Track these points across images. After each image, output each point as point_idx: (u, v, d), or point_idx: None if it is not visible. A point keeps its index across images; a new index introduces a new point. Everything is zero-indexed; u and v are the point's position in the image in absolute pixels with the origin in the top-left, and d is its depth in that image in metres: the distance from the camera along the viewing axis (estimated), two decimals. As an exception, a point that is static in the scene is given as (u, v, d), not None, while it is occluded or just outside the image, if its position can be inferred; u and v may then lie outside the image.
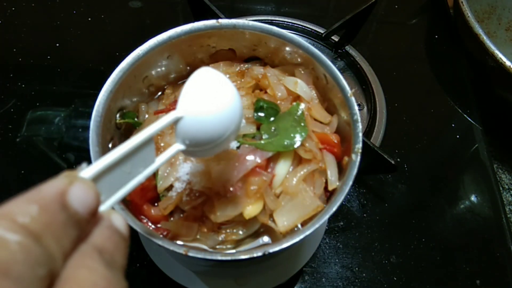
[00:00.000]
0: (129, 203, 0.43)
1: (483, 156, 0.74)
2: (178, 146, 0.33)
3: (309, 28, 0.85)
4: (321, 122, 0.49)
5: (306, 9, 0.93)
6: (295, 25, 0.85)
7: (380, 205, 0.67)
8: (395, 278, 0.61)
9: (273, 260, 0.56)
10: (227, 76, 0.51)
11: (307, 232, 0.38)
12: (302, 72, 0.50)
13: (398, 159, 0.71)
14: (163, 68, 0.50)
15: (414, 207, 0.68)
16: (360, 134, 0.43)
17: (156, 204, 0.44)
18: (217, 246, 0.43)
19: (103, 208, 0.26)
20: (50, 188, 0.22)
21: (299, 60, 0.50)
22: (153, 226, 0.44)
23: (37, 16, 0.86)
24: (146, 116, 0.49)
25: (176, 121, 0.32)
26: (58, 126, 0.70)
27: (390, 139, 0.73)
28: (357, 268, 0.62)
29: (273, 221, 0.43)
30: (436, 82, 0.84)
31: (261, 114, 0.46)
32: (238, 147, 0.43)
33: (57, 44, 0.81)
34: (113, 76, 0.43)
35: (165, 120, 0.31)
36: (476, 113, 0.79)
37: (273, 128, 0.45)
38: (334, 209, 0.39)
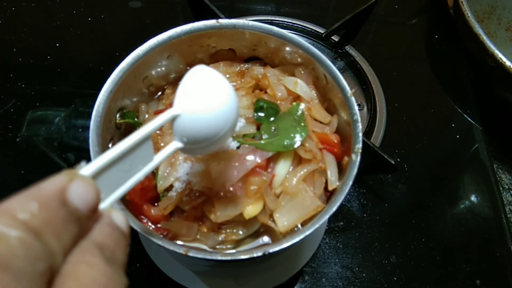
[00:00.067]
0: (129, 203, 0.43)
1: (483, 156, 0.74)
2: (176, 144, 0.33)
3: (309, 28, 0.85)
4: (321, 122, 0.49)
5: (306, 9, 0.93)
6: (295, 25, 0.85)
7: (380, 205, 0.67)
8: (395, 278, 0.61)
9: (273, 260, 0.56)
10: (227, 76, 0.51)
11: (307, 232, 0.38)
12: (302, 72, 0.50)
13: (398, 159, 0.71)
14: (163, 68, 0.50)
15: (414, 207, 0.68)
16: (360, 134, 0.43)
17: (156, 204, 0.44)
18: (217, 246, 0.43)
19: (103, 205, 0.26)
20: (50, 185, 0.22)
21: (299, 60, 0.50)
22: (153, 226, 0.44)
23: (37, 16, 0.86)
24: (146, 116, 0.49)
25: (173, 119, 0.32)
26: (58, 126, 0.70)
27: (390, 139, 0.73)
28: (357, 268, 0.62)
29: (273, 221, 0.43)
30: (436, 82, 0.84)
31: (261, 114, 0.46)
32: (238, 147, 0.43)
33: (57, 44, 0.81)
34: (113, 76, 0.43)
35: (162, 118, 0.31)
36: (476, 113, 0.79)
37: (273, 128, 0.45)
38: (334, 209, 0.39)
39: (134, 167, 0.30)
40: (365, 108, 0.76)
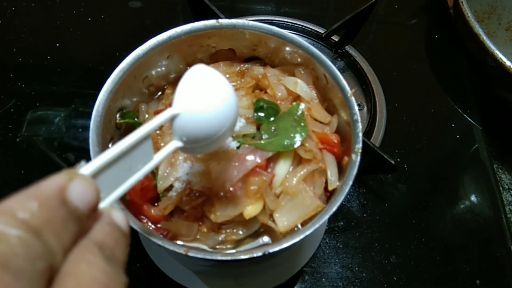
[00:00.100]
0: (129, 203, 0.43)
1: (483, 156, 0.74)
2: (175, 143, 0.33)
3: (309, 28, 0.85)
4: (321, 122, 0.49)
5: (306, 9, 0.93)
6: (295, 25, 0.85)
7: (380, 205, 0.67)
8: (395, 278, 0.61)
9: (273, 260, 0.56)
10: (227, 76, 0.51)
11: (307, 232, 0.38)
12: (302, 72, 0.50)
13: (398, 159, 0.71)
14: (163, 68, 0.50)
15: (414, 207, 0.68)
16: (360, 134, 0.43)
17: (156, 204, 0.44)
18: (217, 246, 0.43)
19: (103, 205, 0.26)
20: (50, 184, 0.22)
21: (299, 60, 0.50)
22: (153, 226, 0.44)
23: (37, 16, 0.86)
24: (146, 116, 0.49)
25: (173, 118, 0.32)
26: (58, 126, 0.70)
27: (390, 139, 0.73)
28: (357, 268, 0.62)
29: (273, 221, 0.43)
30: (436, 82, 0.84)
31: (261, 114, 0.46)
32: (238, 147, 0.43)
33: (57, 44, 0.81)
34: (113, 76, 0.43)
35: (161, 117, 0.31)
36: (476, 113, 0.79)
37: (273, 128, 0.45)
38: (334, 209, 0.39)
39: (134, 166, 0.30)
40: (365, 108, 0.76)
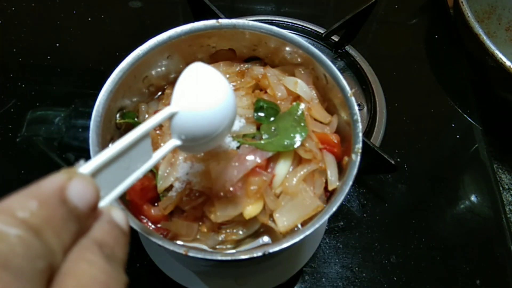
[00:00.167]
0: (129, 203, 0.43)
1: (483, 156, 0.74)
2: (174, 142, 0.33)
3: (309, 28, 0.85)
4: (321, 122, 0.49)
5: (306, 9, 0.93)
6: (295, 25, 0.85)
7: (380, 205, 0.67)
8: (395, 278, 0.61)
9: (273, 260, 0.56)
10: (227, 76, 0.51)
11: (307, 232, 0.38)
12: (302, 72, 0.50)
13: (398, 159, 0.71)
14: (163, 68, 0.50)
15: (414, 207, 0.68)
16: (360, 134, 0.43)
17: (156, 204, 0.44)
18: (217, 246, 0.43)
19: (103, 203, 0.26)
20: (50, 183, 0.22)
21: (299, 60, 0.50)
22: (153, 226, 0.44)
23: (37, 16, 0.86)
24: (146, 116, 0.49)
25: (171, 117, 0.32)
26: (58, 126, 0.70)
27: (390, 139, 0.73)
28: (357, 268, 0.62)
29: (273, 221, 0.43)
30: (436, 82, 0.84)
31: (261, 114, 0.46)
32: (238, 147, 0.43)
33: (57, 44, 0.81)
34: (113, 76, 0.43)
35: (160, 115, 0.31)
36: (476, 113, 0.79)
37: (273, 128, 0.45)
38: (334, 209, 0.39)
39: (133, 165, 0.30)
40: (365, 108, 0.76)
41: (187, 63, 0.51)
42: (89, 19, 0.85)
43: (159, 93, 0.52)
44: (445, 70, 0.86)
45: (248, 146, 0.43)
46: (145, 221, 0.44)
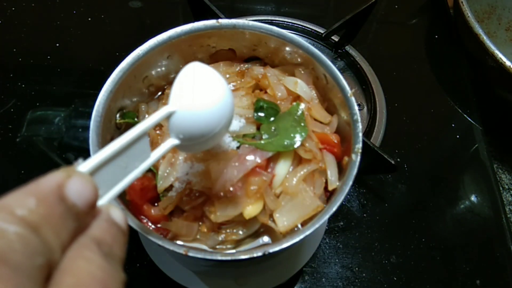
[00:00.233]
0: (129, 203, 0.43)
1: (483, 156, 0.74)
2: (172, 141, 0.34)
3: (309, 28, 0.85)
4: (321, 122, 0.49)
5: (306, 9, 0.93)
6: (295, 25, 0.85)
7: (380, 205, 0.67)
8: (395, 278, 0.61)
9: (273, 260, 0.56)
10: (227, 76, 0.51)
11: (307, 232, 0.38)
12: (302, 72, 0.50)
13: (398, 159, 0.71)
14: (163, 68, 0.50)
15: (414, 207, 0.68)
16: (360, 134, 0.43)
17: (156, 204, 0.44)
18: (217, 246, 0.43)
19: (101, 202, 0.26)
20: (48, 181, 0.22)
21: (299, 60, 0.50)
22: (153, 226, 0.44)
23: (37, 16, 0.86)
24: (146, 116, 0.49)
25: (169, 116, 0.32)
26: (58, 126, 0.70)
27: (390, 139, 0.73)
28: (357, 268, 0.62)
29: (273, 221, 0.43)
30: (436, 82, 0.84)
31: (261, 114, 0.46)
32: (238, 147, 0.43)
33: (57, 44, 0.81)
34: (113, 76, 0.43)
35: (158, 114, 0.32)
36: (476, 113, 0.79)
37: (273, 128, 0.45)
38: (334, 209, 0.39)
39: (131, 164, 0.30)
40: (365, 108, 0.76)
41: (187, 63, 0.51)
42: (89, 19, 0.85)
43: (159, 93, 0.52)
44: (445, 70, 0.86)
45: (248, 146, 0.43)
46: (145, 221, 0.44)
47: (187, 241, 0.43)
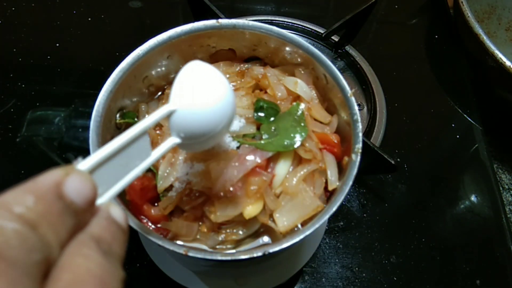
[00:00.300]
0: (129, 203, 0.43)
1: (483, 156, 0.74)
2: (173, 140, 0.33)
3: (309, 28, 0.85)
4: (321, 122, 0.49)
5: (306, 9, 0.93)
6: (295, 25, 0.85)
7: (380, 205, 0.67)
8: (395, 278, 0.61)
9: (273, 260, 0.56)
10: (227, 76, 0.51)
11: (307, 232, 0.38)
12: (302, 72, 0.50)
13: (398, 159, 0.71)
14: (163, 68, 0.50)
15: (414, 207, 0.68)
16: (360, 134, 0.43)
17: (156, 204, 0.44)
18: (217, 246, 0.43)
19: (101, 200, 0.26)
20: (46, 179, 0.22)
21: (299, 60, 0.50)
22: (153, 226, 0.44)
23: (37, 16, 0.86)
24: (146, 116, 0.49)
25: (169, 115, 0.32)
26: (58, 126, 0.70)
27: (390, 139, 0.73)
28: (357, 268, 0.62)
29: (273, 221, 0.43)
30: (436, 82, 0.84)
31: (261, 114, 0.46)
32: (238, 147, 0.43)
33: (57, 44, 0.81)
34: (113, 76, 0.43)
35: (158, 113, 0.31)
36: (476, 113, 0.79)
37: (273, 128, 0.45)
38: (334, 209, 0.39)
39: (132, 162, 0.30)
40: (365, 108, 0.76)
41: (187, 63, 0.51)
42: (89, 19, 0.85)
43: (159, 93, 0.52)
44: (445, 70, 0.86)
45: (248, 146, 0.43)
46: (145, 221, 0.44)
47: (187, 241, 0.43)
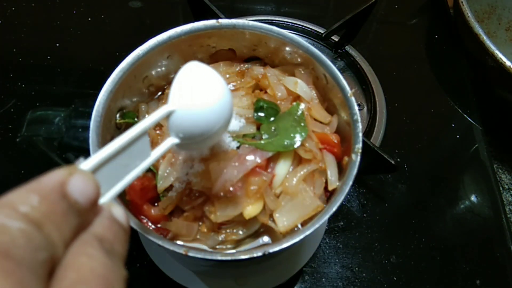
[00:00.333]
0: (129, 203, 0.43)
1: (483, 156, 0.74)
2: (172, 140, 0.34)
3: (309, 28, 0.85)
4: (321, 122, 0.49)
5: (306, 9, 0.93)
6: (295, 25, 0.85)
7: (380, 205, 0.67)
8: (395, 278, 0.61)
9: (273, 260, 0.56)
10: (227, 76, 0.51)
11: (307, 232, 0.38)
12: (302, 72, 0.50)
13: (398, 159, 0.71)
14: (163, 68, 0.50)
15: (414, 207, 0.68)
16: (360, 134, 0.43)
17: (156, 204, 0.44)
18: (217, 246, 0.43)
19: (103, 200, 0.26)
20: (50, 179, 0.22)
21: (299, 60, 0.50)
22: (153, 226, 0.44)
23: (37, 16, 0.86)
24: (146, 116, 0.49)
25: (168, 115, 0.33)
26: (58, 126, 0.70)
27: (390, 139, 0.73)
28: (357, 268, 0.62)
29: (273, 221, 0.43)
30: (436, 82, 0.84)
31: (261, 114, 0.46)
32: (238, 147, 0.43)
33: (57, 44, 0.81)
34: (113, 76, 0.43)
35: (157, 114, 0.32)
36: (476, 113, 0.79)
37: (273, 128, 0.45)
38: (334, 209, 0.39)
39: (132, 162, 0.30)
40: (365, 108, 0.76)
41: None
42: (89, 19, 0.85)
43: (159, 93, 0.52)
44: (445, 70, 0.86)
45: (248, 146, 0.43)
46: (145, 221, 0.44)
47: (187, 241, 0.43)
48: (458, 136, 0.77)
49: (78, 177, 0.23)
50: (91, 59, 0.79)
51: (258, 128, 0.46)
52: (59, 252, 0.21)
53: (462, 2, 0.77)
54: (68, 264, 0.21)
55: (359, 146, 0.42)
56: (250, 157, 0.42)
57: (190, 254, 0.37)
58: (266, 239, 0.44)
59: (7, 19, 0.83)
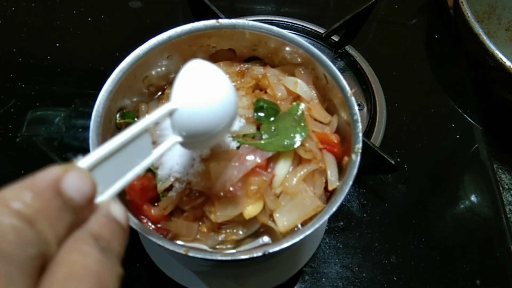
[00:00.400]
0: (129, 203, 0.43)
1: (483, 156, 0.74)
2: (175, 138, 0.33)
3: (309, 28, 0.85)
4: (321, 122, 0.49)
5: (306, 9, 0.93)
6: (295, 25, 0.85)
7: (380, 205, 0.67)
8: (395, 278, 0.61)
9: (273, 260, 0.56)
10: (227, 76, 0.51)
11: (307, 232, 0.38)
12: (302, 72, 0.50)
13: (398, 159, 0.71)
14: (163, 68, 0.50)
15: (414, 207, 0.68)
16: (360, 134, 0.43)
17: (156, 204, 0.44)
18: (217, 246, 0.43)
19: (102, 198, 0.26)
20: (45, 175, 0.22)
21: (299, 60, 0.50)
22: (153, 226, 0.44)
23: (37, 16, 0.86)
24: (146, 116, 0.49)
25: (171, 113, 0.32)
26: (58, 126, 0.70)
27: (390, 139, 0.73)
28: (357, 268, 0.62)
29: (273, 221, 0.43)
30: (436, 82, 0.84)
31: (261, 114, 0.46)
32: (238, 147, 0.43)
33: (57, 44, 0.81)
34: (113, 76, 0.43)
35: (160, 112, 0.31)
36: (476, 113, 0.79)
37: (273, 128, 0.45)
38: (334, 209, 0.39)
39: (132, 160, 0.30)
40: (365, 108, 0.76)
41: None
42: (89, 19, 0.85)
43: (159, 93, 0.52)
44: (445, 70, 0.86)
45: (248, 146, 0.43)
46: (145, 221, 0.44)
47: (187, 241, 0.43)
48: (458, 136, 0.77)
49: (73, 174, 0.23)
50: (91, 59, 0.79)
51: (258, 128, 0.46)
52: (52, 249, 0.21)
53: (462, 2, 0.77)
54: (60, 260, 0.21)
55: (359, 146, 0.42)
56: (250, 157, 0.42)
57: (190, 254, 0.37)
58: (266, 239, 0.44)
59: (7, 19, 0.83)
